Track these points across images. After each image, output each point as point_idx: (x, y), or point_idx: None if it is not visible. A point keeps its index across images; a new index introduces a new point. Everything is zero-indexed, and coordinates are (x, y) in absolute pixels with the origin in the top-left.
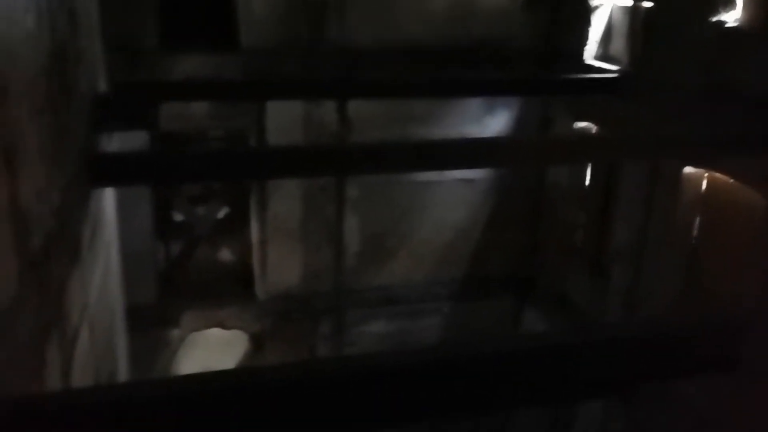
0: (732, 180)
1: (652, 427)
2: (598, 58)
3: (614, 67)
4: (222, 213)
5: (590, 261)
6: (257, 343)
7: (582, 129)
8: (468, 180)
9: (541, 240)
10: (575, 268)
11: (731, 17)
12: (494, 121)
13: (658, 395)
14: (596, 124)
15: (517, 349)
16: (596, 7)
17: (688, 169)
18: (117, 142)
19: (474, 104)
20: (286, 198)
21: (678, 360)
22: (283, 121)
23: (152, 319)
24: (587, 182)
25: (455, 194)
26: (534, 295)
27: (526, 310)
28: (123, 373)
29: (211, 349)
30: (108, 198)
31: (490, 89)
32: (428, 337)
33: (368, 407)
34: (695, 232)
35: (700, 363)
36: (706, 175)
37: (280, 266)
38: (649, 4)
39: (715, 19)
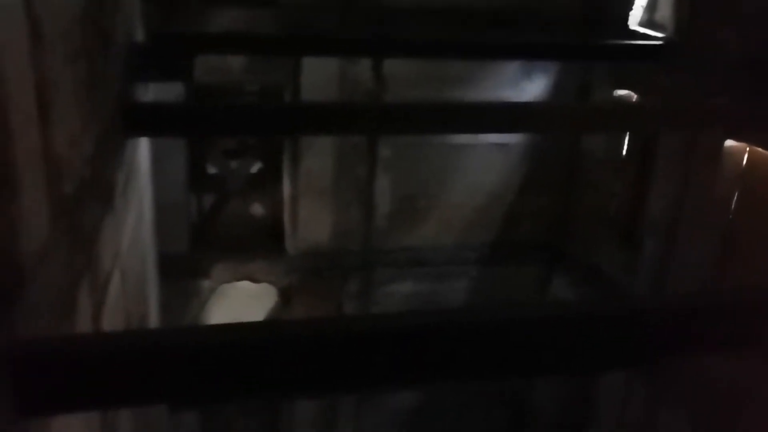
0: None
1: (675, 400)
2: (642, 24)
3: (659, 35)
4: (255, 168)
5: (623, 232)
6: (285, 297)
7: (622, 97)
8: (502, 144)
9: (574, 208)
10: (607, 238)
11: None
12: (532, 86)
13: (683, 369)
14: (637, 92)
15: (542, 316)
16: None
17: (729, 143)
18: (152, 93)
19: (511, 68)
20: (319, 155)
21: (705, 335)
22: (318, 77)
23: (184, 269)
24: (624, 151)
25: (488, 158)
26: (563, 263)
27: (554, 278)
28: (154, 321)
29: (241, 301)
30: (142, 148)
31: (529, 53)
32: (455, 300)
33: (391, 367)
34: (733, 207)
35: (728, 339)
36: (747, 149)
37: (311, 223)
38: None
39: None
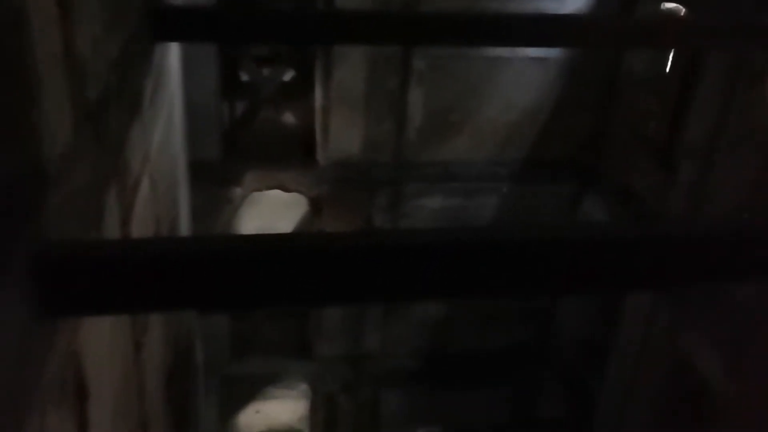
0: None
1: (700, 325)
2: None
3: None
4: (287, 76)
5: (659, 153)
6: (316, 207)
7: (669, 11)
8: (540, 59)
9: (610, 128)
10: (642, 159)
11: None
12: None
13: (710, 294)
14: (685, 6)
15: (569, 236)
16: None
17: None
18: None
19: None
20: (351, 66)
21: (736, 262)
22: None
23: (215, 176)
24: (666, 70)
25: (525, 73)
26: (596, 183)
27: (586, 199)
28: (185, 227)
29: (271, 209)
30: (173, 53)
31: None
32: (483, 216)
33: (418, 281)
34: None
35: (759, 267)
36: None
37: (342, 134)
38: None
39: None
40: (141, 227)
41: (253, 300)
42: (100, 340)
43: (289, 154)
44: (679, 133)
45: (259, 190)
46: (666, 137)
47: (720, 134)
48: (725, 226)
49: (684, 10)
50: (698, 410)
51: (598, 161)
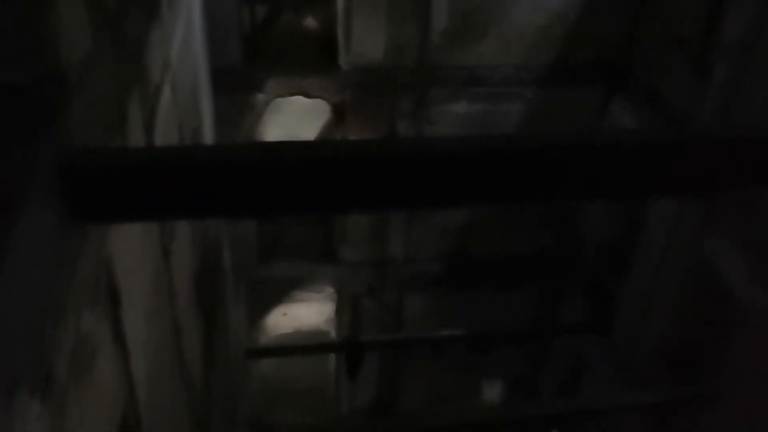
0: None
1: (727, 230)
2: None
3: None
4: None
5: (692, 56)
6: (339, 113)
7: None
8: None
9: (642, 29)
10: (675, 61)
11: None
12: None
13: (737, 200)
14: None
15: (595, 141)
16: None
17: None
18: None
19: None
20: None
21: (759, 167)
22: None
23: (237, 82)
24: None
25: None
26: (626, 88)
27: (614, 104)
28: (208, 134)
29: (294, 116)
30: None
31: None
32: (509, 123)
33: (441, 188)
34: None
35: None
36: None
37: (365, 38)
38: None
39: None
40: (164, 135)
41: (277, 207)
42: (130, 246)
43: (311, 60)
44: (714, 34)
45: (282, 96)
46: (700, 38)
47: (757, 36)
48: (755, 131)
49: None
50: (719, 317)
51: (629, 65)
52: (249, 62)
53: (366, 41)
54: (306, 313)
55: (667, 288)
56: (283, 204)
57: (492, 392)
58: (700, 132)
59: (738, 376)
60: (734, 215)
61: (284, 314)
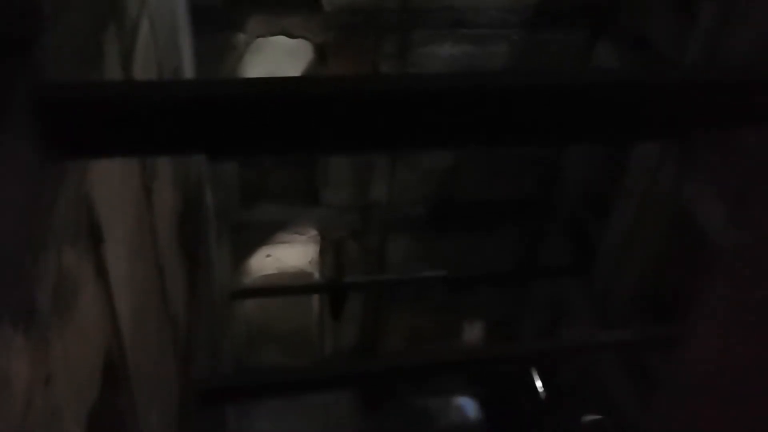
0: None
1: (706, 176)
2: None
3: None
4: None
5: None
6: (321, 54)
7: None
8: None
9: None
10: (660, 4)
11: None
12: None
13: (717, 145)
14: None
15: (577, 81)
16: None
17: None
18: None
19: None
20: None
21: (748, 107)
22: None
23: (218, 21)
24: None
25: None
26: (611, 31)
27: (599, 47)
28: (188, 73)
29: (277, 56)
30: None
31: None
32: (494, 65)
33: (425, 128)
34: None
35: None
36: None
37: None
38: None
39: None
40: (143, 73)
41: (257, 145)
42: (111, 184)
43: None
44: None
45: (263, 35)
46: None
47: None
48: (737, 71)
49: None
50: (695, 261)
51: (615, 8)
52: (229, 1)
53: None
54: (290, 254)
55: (646, 232)
56: (264, 143)
57: (472, 333)
58: (679, 72)
59: (709, 315)
60: (714, 160)
61: (268, 256)
